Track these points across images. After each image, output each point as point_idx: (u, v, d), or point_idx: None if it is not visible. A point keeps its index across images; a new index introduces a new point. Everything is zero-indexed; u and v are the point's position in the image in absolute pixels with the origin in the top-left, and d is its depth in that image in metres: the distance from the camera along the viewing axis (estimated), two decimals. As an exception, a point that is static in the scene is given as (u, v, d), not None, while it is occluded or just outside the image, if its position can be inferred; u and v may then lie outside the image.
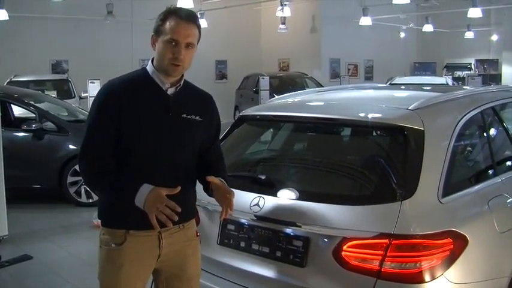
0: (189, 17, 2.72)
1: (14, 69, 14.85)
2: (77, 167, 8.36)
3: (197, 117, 2.79)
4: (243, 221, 3.27)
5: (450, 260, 2.70)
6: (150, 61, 2.78)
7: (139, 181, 2.59)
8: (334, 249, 2.84)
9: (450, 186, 2.92)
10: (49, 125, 8.44)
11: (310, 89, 8.71)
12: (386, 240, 2.68)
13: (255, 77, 18.68)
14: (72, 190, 8.26)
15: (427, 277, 2.64)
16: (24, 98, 8.99)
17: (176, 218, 2.55)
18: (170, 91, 2.74)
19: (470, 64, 25.78)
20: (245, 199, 3.21)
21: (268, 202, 3.14)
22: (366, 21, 18.00)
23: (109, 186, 2.64)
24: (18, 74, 14.46)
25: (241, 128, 3.93)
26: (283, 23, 20.19)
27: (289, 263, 3.02)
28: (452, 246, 2.70)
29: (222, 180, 2.79)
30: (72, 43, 17.69)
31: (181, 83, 2.79)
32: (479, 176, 3.45)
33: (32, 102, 8.89)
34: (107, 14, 16.67)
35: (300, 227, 3.00)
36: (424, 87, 4.84)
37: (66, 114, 9.59)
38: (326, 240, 2.91)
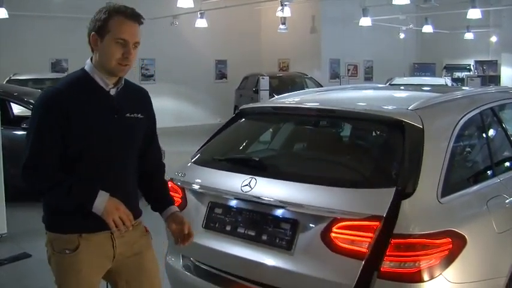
0: (135, 16, 2.65)
1: (14, 68, 14.83)
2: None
3: (139, 115, 2.78)
4: (231, 203, 3.30)
5: (449, 260, 2.71)
6: (89, 61, 2.70)
7: (92, 185, 2.57)
8: (322, 231, 2.86)
9: (449, 186, 2.93)
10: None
11: (310, 89, 8.72)
12: (377, 223, 2.70)
13: (255, 77, 18.65)
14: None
15: (425, 276, 2.65)
16: (24, 97, 8.98)
17: (130, 226, 2.60)
18: (112, 91, 2.70)
19: (469, 65, 25.79)
20: (237, 180, 3.24)
21: (259, 183, 3.16)
22: (365, 21, 17.98)
23: (69, 194, 2.56)
24: (18, 73, 14.44)
25: (239, 121, 3.95)
26: (283, 23, 20.17)
27: (275, 246, 3.04)
28: (451, 246, 2.72)
29: (179, 213, 2.88)
30: (72, 42, 17.55)
31: (122, 82, 2.75)
32: (478, 177, 3.46)
33: (32, 101, 8.88)
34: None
35: (289, 207, 3.01)
36: (424, 88, 4.84)
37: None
38: (315, 221, 2.92)
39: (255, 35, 23.20)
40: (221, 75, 22.52)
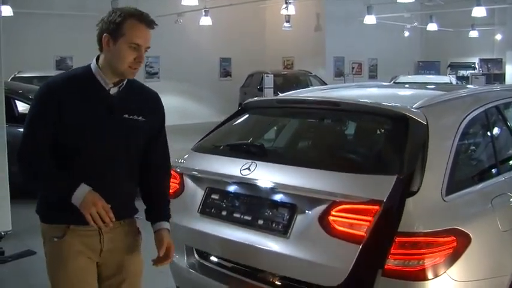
0: (149, 22, 2.68)
1: (18, 66, 14.85)
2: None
3: (140, 118, 2.76)
4: (229, 188, 3.30)
5: (453, 258, 2.71)
6: (94, 59, 2.73)
7: (80, 180, 2.59)
8: (320, 215, 2.85)
9: (454, 185, 2.92)
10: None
11: (314, 87, 8.71)
12: (376, 207, 2.69)
13: (259, 75, 18.65)
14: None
15: (430, 274, 2.64)
16: (29, 94, 8.99)
17: (110, 223, 2.59)
18: (113, 91, 2.71)
19: (474, 63, 25.74)
20: (236, 164, 3.25)
21: (260, 167, 3.17)
22: (370, 19, 17.98)
23: (52, 183, 2.64)
24: (22, 70, 14.46)
25: (243, 115, 3.97)
26: (288, 21, 20.18)
27: (271, 231, 3.03)
28: (455, 244, 2.71)
29: (165, 232, 2.84)
30: (77, 40, 17.64)
31: (124, 82, 2.75)
32: (483, 175, 3.44)
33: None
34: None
35: (288, 190, 3.01)
36: (428, 86, 4.84)
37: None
38: (313, 205, 2.91)
39: (260, 33, 23.20)
40: (225, 73, 22.53)
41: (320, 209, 2.87)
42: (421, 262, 2.65)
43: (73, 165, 2.65)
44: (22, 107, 9.45)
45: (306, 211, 2.95)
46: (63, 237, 2.69)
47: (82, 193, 2.57)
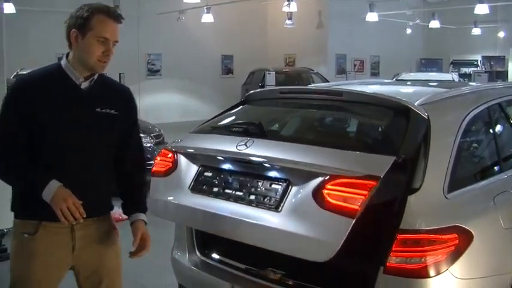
0: (117, 16, 2.75)
1: (20, 63, 14.85)
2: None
3: (112, 111, 2.80)
4: (222, 166, 3.30)
5: (455, 256, 2.70)
6: (64, 56, 2.77)
7: (53, 175, 2.61)
8: (315, 188, 2.79)
9: (456, 182, 2.91)
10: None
11: (316, 84, 8.70)
12: (373, 182, 2.63)
13: (261, 72, 18.67)
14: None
15: (432, 272, 2.64)
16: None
17: (81, 219, 2.59)
18: (84, 85, 2.75)
19: (476, 61, 25.73)
20: (233, 141, 3.23)
21: (256, 143, 3.15)
22: (372, 17, 17.94)
23: (23, 178, 2.67)
24: (24, 68, 14.46)
25: (245, 105, 3.97)
26: (290, 18, 20.17)
27: (263, 206, 2.98)
28: (457, 241, 2.70)
29: (140, 224, 2.86)
30: (78, 37, 17.70)
31: (95, 77, 2.78)
32: (485, 172, 3.44)
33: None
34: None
35: (283, 164, 2.98)
36: (431, 83, 4.83)
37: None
38: (308, 180, 2.85)
39: (262, 30, 23.21)
40: (227, 71, 22.54)
41: (315, 182, 2.81)
42: (423, 259, 2.64)
43: (46, 160, 2.67)
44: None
45: (300, 186, 2.89)
46: (34, 233, 2.70)
47: (52, 189, 2.58)
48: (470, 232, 2.77)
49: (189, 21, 19.52)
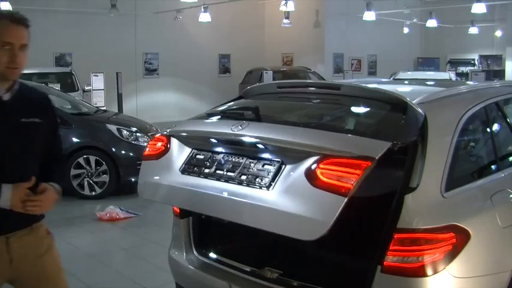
0: (20, 20, 2.66)
1: (18, 62, 14.85)
2: (80, 160, 8.41)
3: (36, 119, 2.77)
4: (215, 148, 3.29)
5: (452, 255, 2.70)
6: None
7: None
8: (308, 168, 2.77)
9: (453, 181, 2.91)
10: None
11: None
12: (368, 162, 2.61)
13: (259, 72, 18.68)
14: (75, 183, 8.32)
15: (429, 271, 2.64)
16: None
17: (36, 199, 2.60)
18: (6, 97, 2.69)
19: (473, 60, 25.76)
20: (228, 124, 3.23)
21: (251, 125, 3.14)
22: (369, 16, 17.95)
23: None
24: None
25: (241, 99, 3.97)
26: (287, 18, 20.16)
27: (254, 184, 2.96)
28: (454, 240, 2.71)
29: (52, 187, 2.77)
30: (76, 36, 17.68)
31: (16, 87, 2.74)
32: (482, 171, 3.44)
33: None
34: (111, 7, 16.65)
35: (277, 144, 2.97)
36: (428, 82, 4.83)
37: (70, 107, 9.60)
38: (302, 159, 2.83)
39: (259, 29, 23.20)
40: (225, 70, 22.52)
41: (308, 162, 2.78)
42: (420, 258, 2.65)
43: None
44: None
45: (293, 166, 2.86)
46: None
47: (7, 193, 2.57)
48: (468, 231, 2.77)
49: (186, 20, 19.50)
